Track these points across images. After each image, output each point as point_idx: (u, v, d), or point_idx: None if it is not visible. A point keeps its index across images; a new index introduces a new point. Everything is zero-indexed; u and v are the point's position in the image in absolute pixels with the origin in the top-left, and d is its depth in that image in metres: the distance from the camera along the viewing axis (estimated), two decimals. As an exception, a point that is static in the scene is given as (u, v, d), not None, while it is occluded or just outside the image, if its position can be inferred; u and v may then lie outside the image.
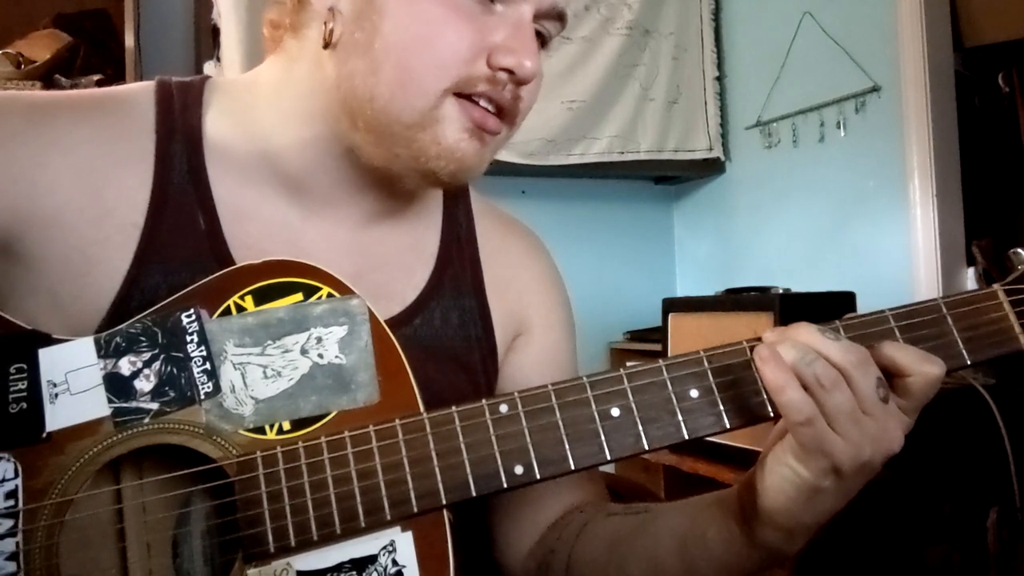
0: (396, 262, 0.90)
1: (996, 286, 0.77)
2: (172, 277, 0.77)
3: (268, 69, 0.88)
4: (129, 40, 2.54)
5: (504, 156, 3.08)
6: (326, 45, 0.79)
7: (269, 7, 0.86)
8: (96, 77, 2.48)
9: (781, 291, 2.30)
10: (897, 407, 0.69)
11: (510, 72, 0.78)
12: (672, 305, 2.52)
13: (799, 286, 2.39)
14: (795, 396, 0.65)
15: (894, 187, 2.73)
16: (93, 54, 2.59)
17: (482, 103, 0.79)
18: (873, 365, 0.67)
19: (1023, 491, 1.97)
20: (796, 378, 0.65)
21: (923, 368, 0.69)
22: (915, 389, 0.69)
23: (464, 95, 0.78)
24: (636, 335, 3.34)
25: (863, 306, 2.10)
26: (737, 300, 2.32)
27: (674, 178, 3.66)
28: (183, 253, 0.79)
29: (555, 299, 1.02)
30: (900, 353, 0.69)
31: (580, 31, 3.30)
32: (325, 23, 0.79)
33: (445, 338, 0.90)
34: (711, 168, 3.51)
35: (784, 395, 0.65)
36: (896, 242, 2.72)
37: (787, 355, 0.66)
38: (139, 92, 0.85)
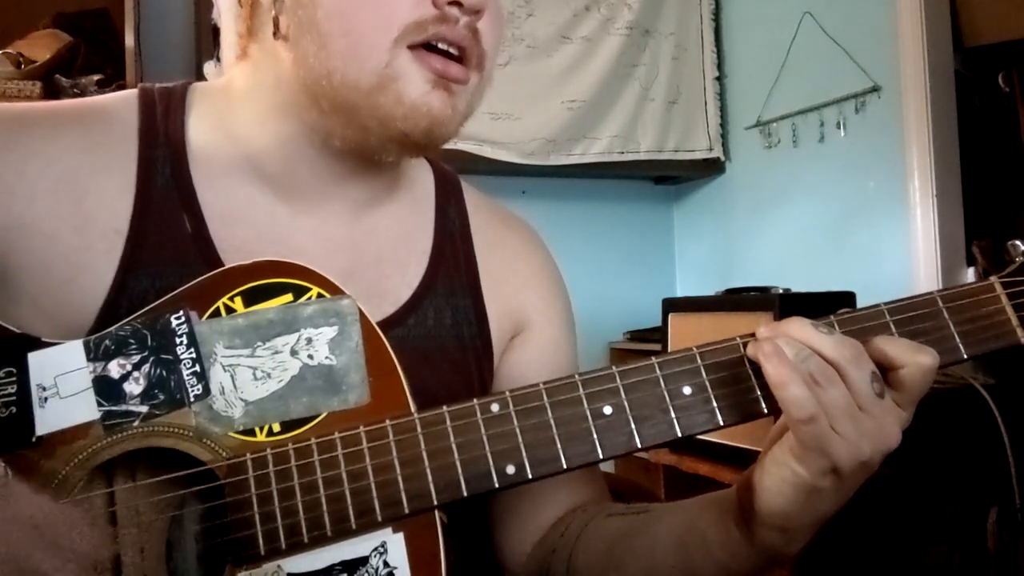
0: (389, 258, 0.90)
1: (993, 278, 0.75)
2: (160, 281, 0.77)
3: (238, 74, 0.88)
4: (129, 40, 2.54)
5: (504, 156, 3.09)
6: (275, 35, 0.79)
7: (235, 23, 0.87)
8: (96, 77, 2.47)
9: (781, 291, 2.30)
10: (893, 402, 0.68)
11: (458, 4, 0.77)
12: (672, 305, 2.52)
13: (799, 286, 2.39)
14: (798, 393, 0.64)
15: (894, 187, 2.72)
16: (93, 54, 2.58)
17: (441, 47, 0.77)
18: (868, 360, 0.66)
19: (1023, 491, 1.97)
20: (799, 374, 0.64)
21: (915, 359, 0.67)
22: (909, 381, 0.67)
23: (419, 45, 0.77)
24: (636, 335, 3.34)
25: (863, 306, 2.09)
26: (737, 300, 2.32)
27: (674, 178, 3.66)
28: (170, 257, 0.79)
29: (554, 295, 1.01)
30: (891, 345, 0.68)
31: (580, 31, 3.30)
32: (273, 14, 0.79)
33: (439, 338, 0.89)
34: (711, 168, 3.50)
35: (787, 391, 0.64)
36: (896, 242, 2.72)
37: (783, 348, 0.66)
38: (121, 100, 0.85)
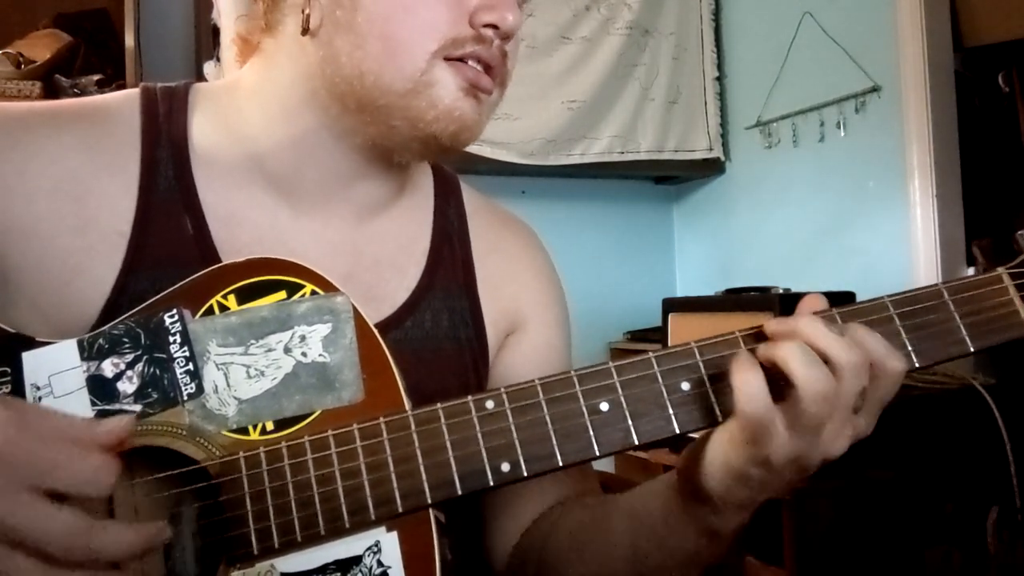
0: (388, 261, 0.90)
1: (1001, 269, 0.73)
2: (160, 283, 0.76)
3: (247, 72, 0.88)
4: (129, 40, 2.53)
5: (504, 156, 3.08)
6: (305, 31, 0.80)
7: (237, 23, 0.87)
8: (96, 77, 2.47)
9: (781, 291, 2.30)
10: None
11: (495, 27, 0.79)
12: (672, 305, 2.52)
13: (799, 286, 2.39)
14: (761, 406, 0.63)
15: (894, 187, 2.72)
16: (93, 54, 2.58)
17: (470, 63, 0.80)
18: (866, 372, 0.64)
19: (1023, 491, 1.97)
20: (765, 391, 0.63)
21: (884, 363, 0.65)
22: (877, 384, 0.66)
23: (454, 58, 0.79)
24: (636, 335, 3.33)
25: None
26: (737, 300, 2.32)
27: (674, 178, 3.65)
28: (171, 259, 0.78)
29: (550, 296, 1.01)
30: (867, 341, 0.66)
31: (580, 31, 3.30)
32: (303, 10, 0.80)
33: (435, 340, 0.90)
34: (711, 168, 3.50)
35: (751, 405, 0.63)
36: (896, 242, 2.72)
37: (793, 358, 0.64)
38: (123, 100, 0.85)
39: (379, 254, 0.89)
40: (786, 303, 2.10)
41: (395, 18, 0.77)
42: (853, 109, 2.86)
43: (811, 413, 0.63)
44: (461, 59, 0.79)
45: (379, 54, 0.77)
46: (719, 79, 3.51)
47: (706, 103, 3.49)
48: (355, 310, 0.71)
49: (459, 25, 0.78)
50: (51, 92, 2.33)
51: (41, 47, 2.46)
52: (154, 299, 0.70)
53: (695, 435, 0.71)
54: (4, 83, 2.32)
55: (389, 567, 0.67)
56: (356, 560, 0.67)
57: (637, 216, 3.71)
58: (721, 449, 0.67)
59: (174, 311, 0.69)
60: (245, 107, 0.86)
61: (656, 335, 2.84)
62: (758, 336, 0.70)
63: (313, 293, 0.71)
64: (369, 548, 0.67)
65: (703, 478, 0.69)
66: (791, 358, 0.63)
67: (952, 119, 2.68)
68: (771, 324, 0.68)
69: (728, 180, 3.52)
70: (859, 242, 2.86)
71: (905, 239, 2.68)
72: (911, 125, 2.66)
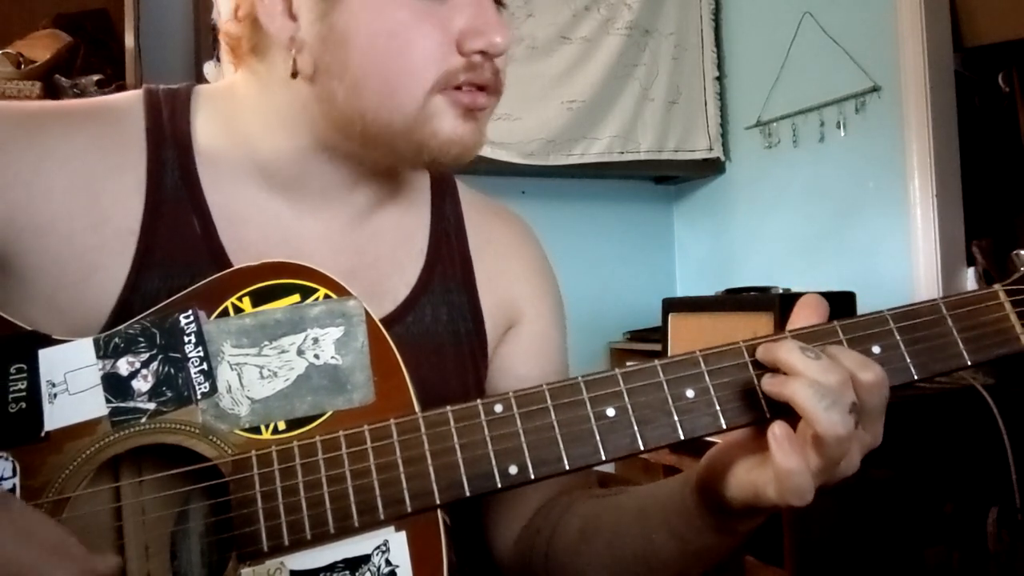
0: (388, 259, 0.91)
1: (997, 286, 0.75)
2: (171, 281, 0.78)
3: (242, 83, 0.87)
4: (129, 40, 2.54)
5: (504, 156, 3.09)
6: (294, 75, 0.79)
7: (223, 19, 0.86)
8: (96, 77, 2.48)
9: (781, 291, 2.31)
10: (861, 428, 0.66)
11: (484, 53, 0.80)
12: (672, 305, 2.52)
13: (799, 286, 2.40)
14: (803, 481, 0.64)
15: (894, 187, 2.73)
16: (93, 54, 2.59)
17: (465, 89, 0.80)
18: (850, 389, 0.64)
19: (1023, 491, 1.98)
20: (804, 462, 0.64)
21: (857, 374, 0.65)
22: (861, 398, 0.66)
23: (449, 88, 0.80)
24: (636, 335, 3.34)
25: (863, 306, 2.10)
26: (737, 300, 2.32)
27: (674, 178, 3.67)
28: (180, 257, 0.80)
29: (545, 288, 1.03)
30: (840, 358, 0.67)
31: (580, 31, 3.31)
32: (290, 51, 0.79)
33: (436, 334, 0.91)
34: (711, 168, 3.51)
35: (792, 480, 0.64)
36: (896, 242, 2.72)
37: (813, 406, 0.63)
38: (128, 100, 0.86)
39: (379, 252, 0.91)
40: (786, 303, 2.10)
41: (387, 63, 0.78)
42: (853, 109, 2.87)
43: (835, 454, 0.64)
44: (456, 87, 0.80)
45: (376, 95, 0.78)
46: (719, 79, 3.52)
47: (706, 103, 3.50)
48: (367, 313, 0.73)
49: (450, 57, 0.78)
50: (51, 92, 2.34)
51: (41, 47, 2.46)
52: (170, 300, 0.72)
53: (711, 440, 0.72)
54: (4, 83, 2.32)
55: (397, 566, 0.68)
56: (365, 559, 0.67)
57: (637, 216, 3.72)
58: (748, 477, 0.68)
59: (190, 312, 0.70)
60: (243, 114, 0.86)
61: (656, 335, 2.84)
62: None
63: (326, 297, 0.72)
64: (378, 547, 0.68)
65: (727, 490, 0.70)
66: (809, 406, 0.63)
67: (952, 119, 2.69)
68: (759, 351, 0.69)
69: (728, 180, 3.53)
70: (859, 242, 2.87)
71: (905, 239, 2.69)
72: (911, 125, 2.67)
